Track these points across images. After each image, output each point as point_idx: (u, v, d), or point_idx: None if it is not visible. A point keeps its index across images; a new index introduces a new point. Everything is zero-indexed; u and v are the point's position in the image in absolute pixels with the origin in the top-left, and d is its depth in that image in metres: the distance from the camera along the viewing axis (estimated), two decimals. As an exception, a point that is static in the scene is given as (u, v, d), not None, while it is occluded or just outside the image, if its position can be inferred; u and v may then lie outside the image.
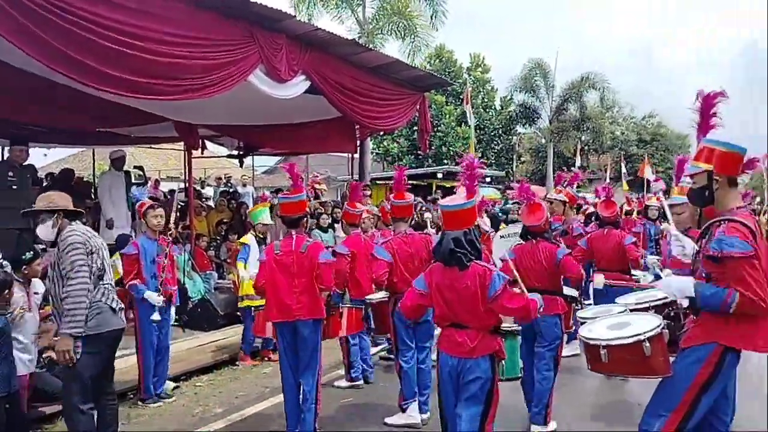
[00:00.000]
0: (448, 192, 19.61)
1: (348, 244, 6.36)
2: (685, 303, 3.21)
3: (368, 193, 11.52)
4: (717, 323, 3.10)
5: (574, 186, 8.46)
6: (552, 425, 5.08)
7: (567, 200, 7.44)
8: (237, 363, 7.36)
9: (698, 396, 3.13)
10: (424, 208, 7.10)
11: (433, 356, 6.26)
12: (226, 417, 5.67)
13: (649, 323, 3.34)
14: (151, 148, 18.03)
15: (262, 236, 7.49)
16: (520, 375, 4.28)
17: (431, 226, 6.11)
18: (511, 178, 31.12)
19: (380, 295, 5.53)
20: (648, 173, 21.92)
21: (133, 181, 10.75)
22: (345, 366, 6.52)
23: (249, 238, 7.42)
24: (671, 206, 5.26)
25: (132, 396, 6.11)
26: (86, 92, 6.49)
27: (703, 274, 3.19)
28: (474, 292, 3.51)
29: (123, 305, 4.38)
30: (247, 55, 6.56)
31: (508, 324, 3.95)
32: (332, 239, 9.12)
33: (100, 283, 4.13)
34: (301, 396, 4.91)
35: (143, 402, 5.96)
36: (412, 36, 20.62)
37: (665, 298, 3.66)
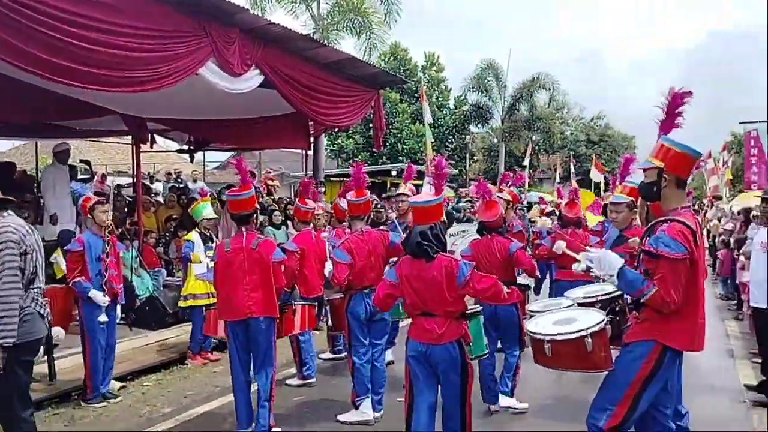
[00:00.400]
0: (402, 190, 19.72)
1: (298, 241, 6.31)
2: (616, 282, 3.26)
3: (322, 190, 11.47)
4: (657, 322, 3.19)
5: (525, 185, 8.66)
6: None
7: (510, 199, 7.63)
8: (186, 362, 7.23)
9: (641, 390, 3.21)
10: (380, 206, 7.12)
11: (389, 357, 6.36)
12: (175, 417, 5.55)
13: (593, 319, 3.42)
14: (98, 141, 17.52)
15: (208, 233, 7.36)
16: (487, 351, 4.48)
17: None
18: (465, 176, 31.49)
19: (338, 293, 5.53)
20: (596, 176, 22.59)
21: (79, 176, 10.44)
22: (296, 364, 6.47)
23: (193, 235, 7.28)
24: (612, 204, 5.38)
25: (76, 396, 5.92)
26: (30, 83, 6.28)
27: (642, 269, 3.28)
28: (440, 281, 3.77)
29: (49, 310, 4.14)
30: (198, 47, 6.45)
31: (471, 306, 4.15)
32: (285, 236, 9.03)
33: (31, 287, 3.85)
34: (255, 393, 4.87)
35: (87, 402, 5.78)
36: (368, 33, 20.61)
37: (613, 292, 3.75)
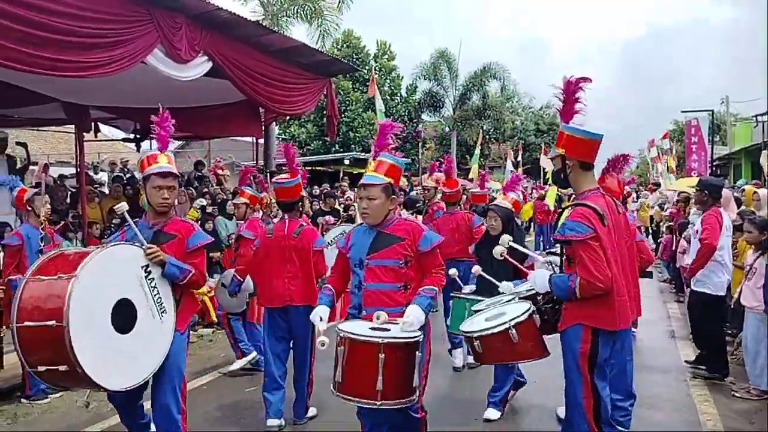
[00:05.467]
0: (356, 179, 19.66)
1: (251, 228, 6.21)
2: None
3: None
4: (578, 307, 3.26)
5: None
6: None
7: (436, 186, 7.82)
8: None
9: (590, 371, 3.22)
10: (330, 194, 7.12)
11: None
12: (124, 411, 5.42)
13: (518, 310, 3.50)
14: (38, 130, 16.87)
15: None
16: None
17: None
18: (417, 165, 31.64)
19: None
20: (547, 164, 23.04)
21: (17, 165, 10.07)
22: (232, 345, 6.41)
23: None
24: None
25: (19, 394, 5.73)
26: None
27: (564, 256, 3.38)
28: None
29: None
30: (144, 33, 6.26)
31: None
32: (235, 227, 8.92)
33: None
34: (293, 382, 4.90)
35: (28, 399, 5.61)
36: (319, 20, 20.39)
37: None
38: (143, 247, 3.46)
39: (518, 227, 4.92)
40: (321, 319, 3.41)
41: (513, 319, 3.41)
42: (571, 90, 3.41)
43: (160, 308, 3.49)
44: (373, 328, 3.22)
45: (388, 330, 3.20)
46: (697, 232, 6.01)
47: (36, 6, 5.13)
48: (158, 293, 3.49)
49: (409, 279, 3.45)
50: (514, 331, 3.37)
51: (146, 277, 3.44)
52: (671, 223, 10.78)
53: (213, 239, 3.91)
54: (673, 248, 9.91)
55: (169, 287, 3.55)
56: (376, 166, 3.60)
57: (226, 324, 6.37)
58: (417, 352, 3.18)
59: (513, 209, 4.96)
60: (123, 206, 3.58)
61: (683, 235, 8.92)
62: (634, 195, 14.72)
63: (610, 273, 3.15)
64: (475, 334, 3.51)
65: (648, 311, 8.16)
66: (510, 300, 3.92)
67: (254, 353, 6.29)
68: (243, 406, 5.48)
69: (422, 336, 3.22)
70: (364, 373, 3.07)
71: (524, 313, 3.43)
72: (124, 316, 3.29)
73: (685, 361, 6.43)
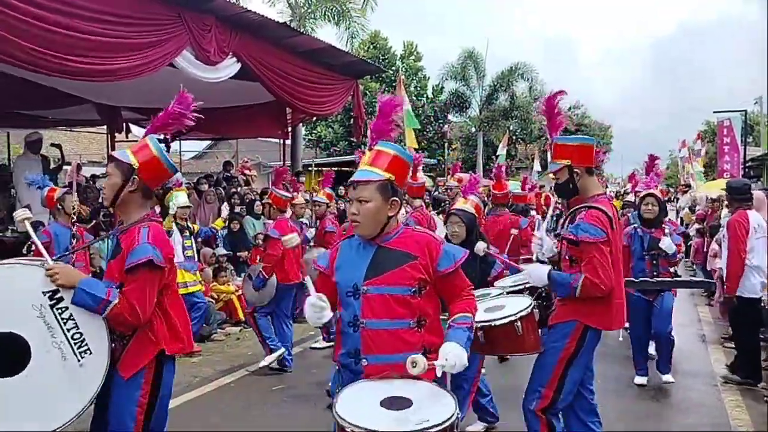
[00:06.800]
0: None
1: (277, 228, 6.29)
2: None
3: (302, 179, 11.43)
4: (576, 303, 3.35)
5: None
6: None
7: (459, 186, 7.90)
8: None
9: (565, 370, 3.37)
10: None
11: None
12: (153, 408, 5.50)
13: (521, 304, 3.54)
14: (71, 131, 17.24)
15: (184, 222, 7.29)
16: None
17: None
18: (443, 165, 31.57)
19: None
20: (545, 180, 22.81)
21: (51, 165, 10.27)
22: (261, 342, 6.43)
23: (170, 225, 7.18)
24: None
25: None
26: (-1, 70, 6.16)
27: (566, 256, 3.44)
28: None
29: None
30: (174, 35, 6.37)
31: None
32: (263, 227, 9.00)
33: None
34: None
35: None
36: (347, 21, 20.46)
37: None
38: (45, 266, 2.69)
39: (481, 233, 4.72)
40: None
41: (519, 311, 3.42)
42: (551, 105, 3.57)
43: (80, 346, 2.67)
44: (387, 402, 2.33)
45: (410, 403, 2.31)
46: (724, 236, 5.92)
47: (71, 13, 5.26)
48: (76, 327, 2.66)
49: (423, 312, 2.55)
50: (519, 324, 3.40)
51: (54, 305, 2.65)
52: (700, 226, 10.59)
53: (149, 258, 2.72)
54: (705, 251, 9.73)
55: (100, 319, 2.69)
56: (372, 157, 2.67)
57: (251, 321, 6.42)
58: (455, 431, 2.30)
59: (476, 214, 4.73)
60: (22, 213, 2.94)
61: (714, 238, 8.76)
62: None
63: (613, 277, 3.26)
64: (478, 325, 3.34)
65: (678, 315, 8.06)
66: (498, 294, 3.94)
67: (282, 349, 6.32)
68: (269, 404, 5.53)
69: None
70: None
71: (528, 306, 3.47)
72: (7, 356, 2.59)
73: (726, 365, 6.31)
